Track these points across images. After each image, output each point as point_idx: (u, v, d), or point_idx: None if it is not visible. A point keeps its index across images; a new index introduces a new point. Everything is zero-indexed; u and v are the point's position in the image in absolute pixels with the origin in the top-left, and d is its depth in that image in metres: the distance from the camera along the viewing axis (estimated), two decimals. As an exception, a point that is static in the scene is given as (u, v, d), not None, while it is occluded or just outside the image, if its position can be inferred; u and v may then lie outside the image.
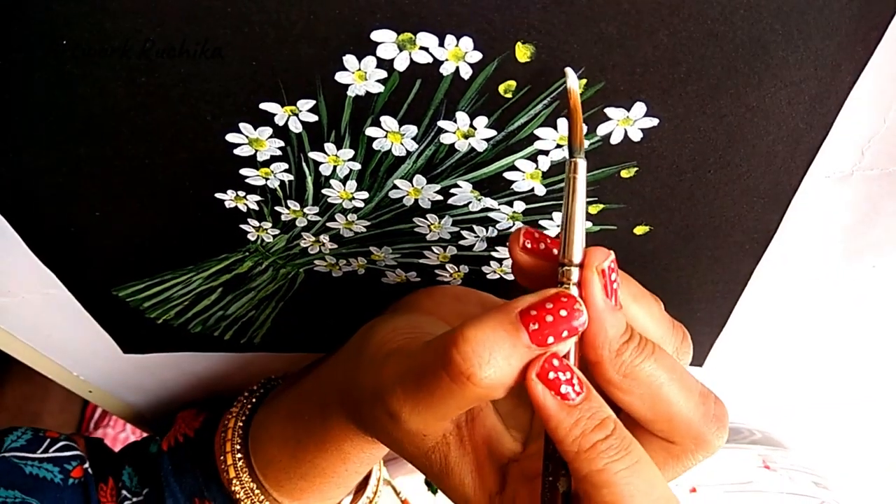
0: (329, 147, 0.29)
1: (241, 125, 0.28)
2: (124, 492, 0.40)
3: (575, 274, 0.25)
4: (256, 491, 0.38)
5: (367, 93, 0.27)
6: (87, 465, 0.39)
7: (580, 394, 0.24)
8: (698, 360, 0.45)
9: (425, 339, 0.26)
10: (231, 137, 0.28)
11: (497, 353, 0.23)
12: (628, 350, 0.24)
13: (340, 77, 0.26)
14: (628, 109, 0.27)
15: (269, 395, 0.41)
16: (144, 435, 0.51)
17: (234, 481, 0.38)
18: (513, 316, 0.23)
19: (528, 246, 0.26)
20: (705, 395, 0.26)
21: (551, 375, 0.23)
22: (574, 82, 0.25)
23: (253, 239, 0.34)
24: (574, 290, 0.24)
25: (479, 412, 0.28)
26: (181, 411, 0.44)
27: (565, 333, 0.23)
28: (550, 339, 0.23)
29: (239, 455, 0.38)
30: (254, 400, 0.41)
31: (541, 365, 0.23)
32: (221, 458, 0.38)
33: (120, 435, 1.00)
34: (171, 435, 0.42)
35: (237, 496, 0.38)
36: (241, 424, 0.39)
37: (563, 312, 0.23)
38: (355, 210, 0.32)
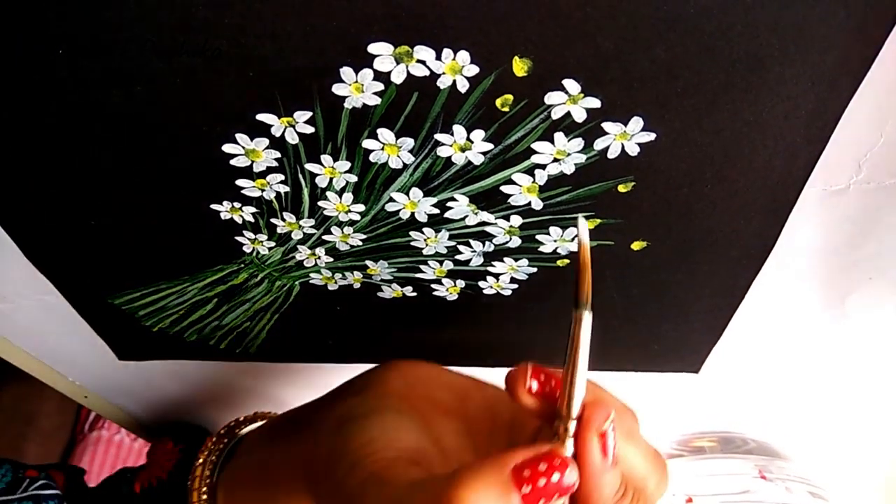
0: (325, 159, 0.29)
1: (238, 136, 0.28)
2: None
3: (572, 427, 0.24)
4: None
5: (364, 105, 0.27)
6: None
7: None
8: (695, 367, 0.45)
9: (406, 470, 0.26)
10: (227, 148, 0.28)
11: None
12: None
13: (337, 89, 0.26)
14: (625, 124, 0.27)
15: (243, 442, 0.41)
16: (138, 438, 0.51)
17: None
18: (505, 475, 0.23)
19: (537, 390, 0.26)
20: None
21: None
22: (585, 234, 0.25)
23: (248, 251, 0.34)
24: (570, 444, 0.24)
25: None
26: (157, 445, 0.43)
27: (556, 497, 0.23)
28: (542, 502, 0.23)
29: (205, 498, 0.38)
30: (220, 445, 0.41)
31: None
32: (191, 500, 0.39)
33: (115, 437, 1.00)
34: (143, 476, 0.42)
35: None
36: (207, 473, 0.39)
37: (556, 477, 0.23)
38: (351, 223, 0.32)
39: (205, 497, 0.38)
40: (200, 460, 0.40)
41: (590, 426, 0.24)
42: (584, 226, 0.25)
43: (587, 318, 0.24)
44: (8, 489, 0.39)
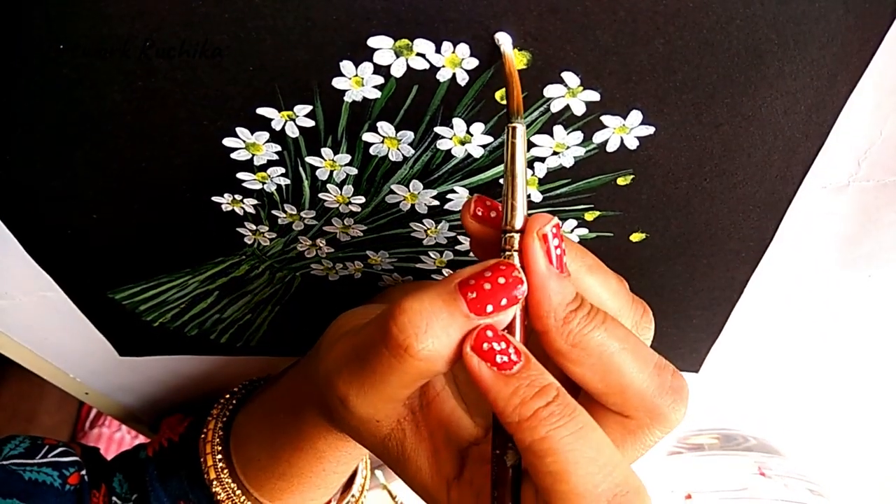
0: (326, 152, 0.29)
1: (238, 130, 0.28)
2: (115, 498, 0.40)
3: (518, 241, 0.24)
4: (238, 492, 0.38)
5: (364, 98, 0.27)
6: (83, 473, 0.39)
7: (517, 363, 0.23)
8: (694, 366, 0.45)
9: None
10: (228, 142, 0.29)
11: (434, 324, 0.23)
12: (576, 318, 0.23)
13: (337, 83, 0.26)
14: (624, 117, 0.27)
15: (251, 396, 0.41)
16: (139, 435, 0.51)
17: (214, 482, 0.38)
18: (451, 286, 0.23)
19: (479, 213, 0.26)
20: (661, 366, 0.25)
21: (485, 346, 0.23)
22: (509, 48, 0.25)
23: (249, 242, 0.34)
24: (516, 258, 0.24)
25: (436, 396, 0.27)
26: (166, 417, 0.44)
27: (504, 301, 0.23)
28: (489, 308, 0.23)
29: (220, 456, 0.38)
30: (234, 402, 0.41)
31: (475, 337, 0.23)
32: (203, 459, 0.38)
33: (115, 434, 1.00)
34: (155, 441, 0.42)
35: (218, 497, 0.38)
36: (220, 425, 0.39)
37: (502, 280, 0.23)
38: (352, 214, 0.32)
39: (219, 448, 0.38)
40: (214, 415, 0.40)
41: (530, 230, 0.24)
42: (507, 40, 0.25)
43: (521, 129, 0.24)
44: (27, 454, 0.39)
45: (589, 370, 0.24)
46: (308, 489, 0.37)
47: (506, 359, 0.23)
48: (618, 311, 0.26)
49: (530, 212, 0.32)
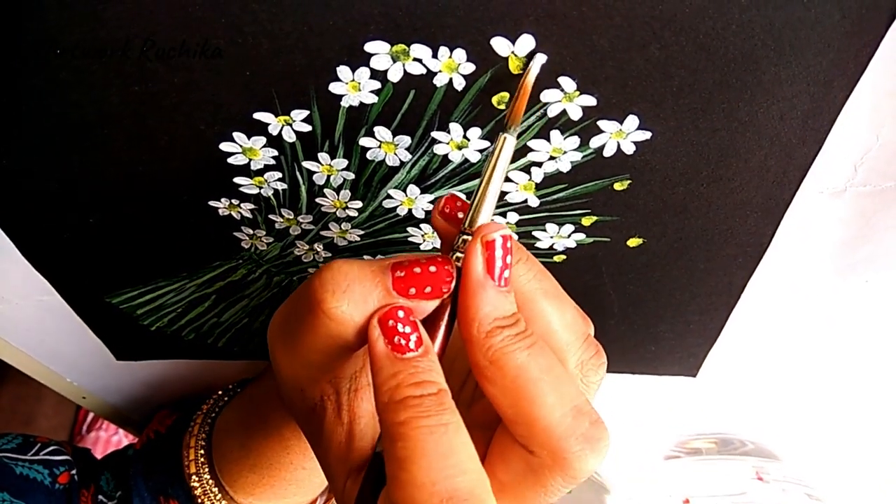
0: (323, 157, 0.29)
1: (235, 134, 0.28)
2: (101, 496, 0.40)
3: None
4: (214, 488, 0.38)
5: (361, 103, 0.27)
6: (74, 472, 0.39)
7: (412, 351, 0.23)
8: (692, 370, 0.45)
9: None
10: (225, 146, 0.29)
11: (355, 288, 0.23)
12: (501, 335, 0.23)
13: (334, 87, 0.26)
14: (621, 122, 0.27)
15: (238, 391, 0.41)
16: (136, 439, 0.51)
17: (193, 477, 0.38)
18: (386, 263, 0.23)
19: (447, 211, 0.26)
20: (582, 411, 0.23)
21: (391, 322, 0.23)
22: (537, 66, 0.25)
23: (247, 247, 0.34)
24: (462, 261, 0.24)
25: (366, 386, 0.27)
26: (158, 411, 0.44)
27: (428, 289, 0.23)
28: (412, 290, 0.23)
29: (202, 452, 0.38)
30: (225, 398, 0.41)
31: (386, 311, 0.23)
32: (185, 453, 0.38)
33: (112, 438, 1.00)
34: (144, 434, 0.42)
35: (195, 492, 0.38)
36: (208, 421, 0.39)
37: (433, 269, 0.23)
38: (349, 219, 0.33)
39: (202, 442, 0.38)
40: (203, 410, 0.40)
41: (477, 233, 0.24)
42: (539, 60, 0.25)
43: (510, 142, 0.25)
44: (19, 449, 0.39)
45: (500, 391, 0.23)
46: (279, 484, 0.37)
47: (403, 342, 0.23)
48: (565, 345, 0.25)
49: (523, 218, 0.32)
